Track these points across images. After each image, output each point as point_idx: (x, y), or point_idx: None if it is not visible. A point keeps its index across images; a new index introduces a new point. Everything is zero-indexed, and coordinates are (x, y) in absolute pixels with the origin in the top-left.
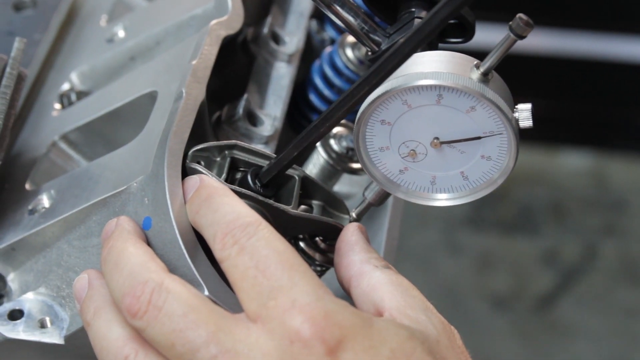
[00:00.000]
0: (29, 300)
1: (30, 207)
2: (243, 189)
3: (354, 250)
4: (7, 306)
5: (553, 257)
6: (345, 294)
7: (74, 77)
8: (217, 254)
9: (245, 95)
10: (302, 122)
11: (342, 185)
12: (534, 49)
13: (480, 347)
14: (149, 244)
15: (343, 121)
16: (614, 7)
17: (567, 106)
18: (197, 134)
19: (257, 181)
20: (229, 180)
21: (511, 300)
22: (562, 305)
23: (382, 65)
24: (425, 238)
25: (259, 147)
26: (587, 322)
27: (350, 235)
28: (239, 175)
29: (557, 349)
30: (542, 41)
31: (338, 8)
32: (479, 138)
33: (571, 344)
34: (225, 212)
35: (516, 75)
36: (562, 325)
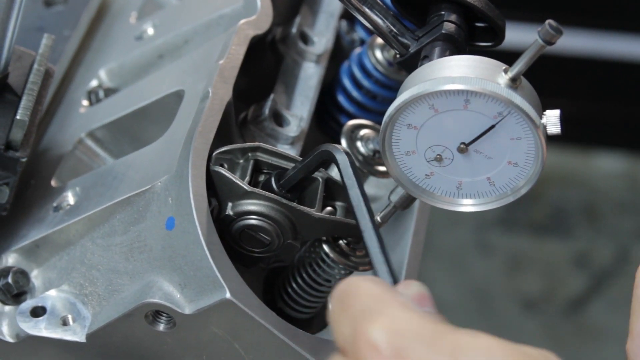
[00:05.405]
0: (52, 298)
1: (55, 204)
2: (266, 192)
3: None
4: (30, 303)
5: (585, 260)
6: None
7: (103, 74)
8: None
9: (272, 95)
10: (330, 123)
11: (369, 188)
12: (569, 49)
13: None
14: (172, 244)
15: (371, 123)
16: None
17: (601, 108)
18: (223, 134)
19: (280, 184)
20: (253, 182)
21: (542, 303)
22: (593, 308)
23: None
24: (456, 238)
25: (284, 148)
26: (619, 326)
27: None
28: (262, 178)
29: (588, 352)
30: (577, 42)
31: (366, 10)
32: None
33: (602, 348)
34: None
35: (551, 76)
36: (592, 328)
